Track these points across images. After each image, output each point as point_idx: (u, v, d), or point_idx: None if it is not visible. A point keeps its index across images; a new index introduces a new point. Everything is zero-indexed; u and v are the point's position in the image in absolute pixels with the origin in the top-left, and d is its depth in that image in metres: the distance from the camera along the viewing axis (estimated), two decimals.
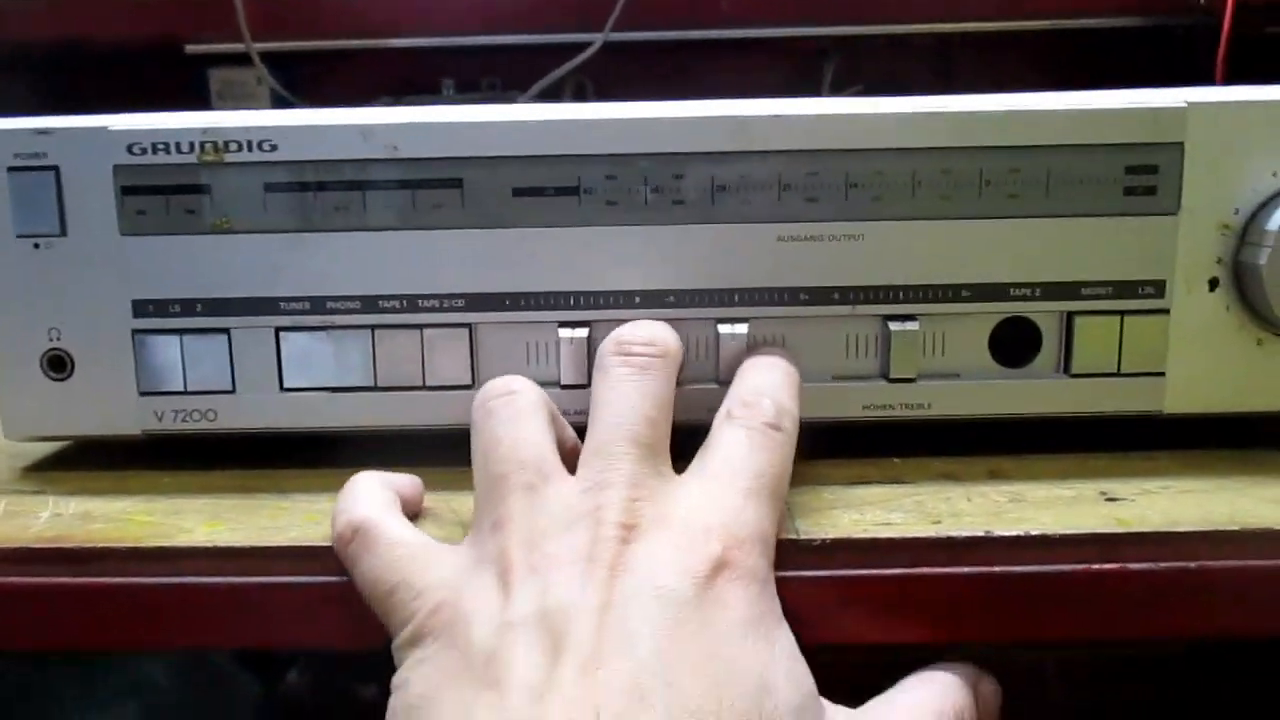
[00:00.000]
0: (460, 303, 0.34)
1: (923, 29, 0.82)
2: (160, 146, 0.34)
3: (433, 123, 0.34)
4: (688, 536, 0.27)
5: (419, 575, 0.28)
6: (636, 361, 0.31)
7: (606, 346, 0.31)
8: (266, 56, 0.79)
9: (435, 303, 0.34)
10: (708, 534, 0.27)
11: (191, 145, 0.34)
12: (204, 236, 0.34)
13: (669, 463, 0.29)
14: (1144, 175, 0.34)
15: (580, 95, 0.81)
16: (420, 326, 0.35)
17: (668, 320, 0.34)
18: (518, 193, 0.34)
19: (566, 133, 0.34)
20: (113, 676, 0.84)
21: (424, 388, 0.35)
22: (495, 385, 0.31)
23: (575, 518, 0.27)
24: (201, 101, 0.82)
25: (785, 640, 0.27)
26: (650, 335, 0.31)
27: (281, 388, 0.35)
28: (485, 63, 0.82)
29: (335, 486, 0.34)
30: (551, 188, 0.34)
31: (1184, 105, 0.34)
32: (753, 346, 0.34)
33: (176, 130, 0.34)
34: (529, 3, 0.74)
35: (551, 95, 0.79)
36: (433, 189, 0.34)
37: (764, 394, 0.31)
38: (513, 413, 0.30)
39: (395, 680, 0.27)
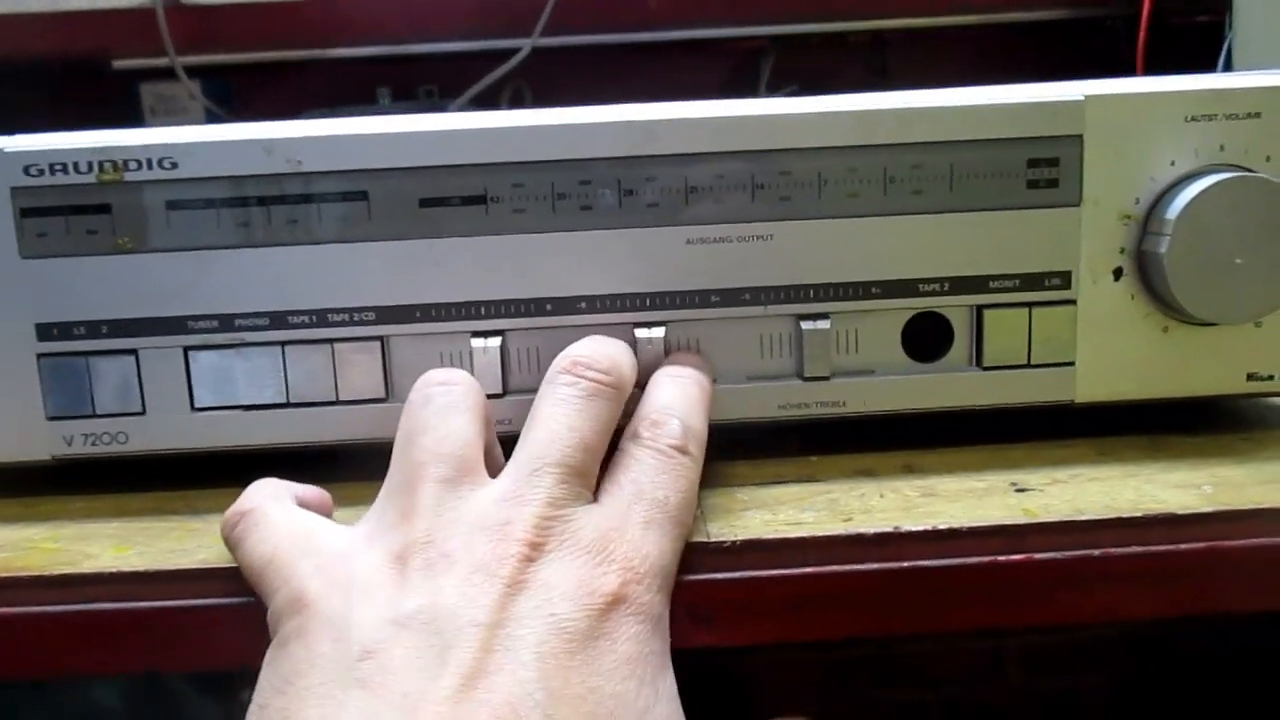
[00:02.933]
0: (371, 315, 0.34)
1: (857, 26, 0.83)
2: (58, 167, 0.33)
3: (336, 135, 0.33)
4: (589, 565, 0.26)
5: (302, 543, 0.27)
6: (586, 386, 0.30)
7: (560, 362, 0.31)
8: (199, 70, 0.78)
9: (345, 316, 0.34)
10: (608, 564, 0.26)
11: (90, 165, 0.33)
12: (107, 257, 0.34)
13: (592, 489, 0.29)
14: (1045, 168, 0.34)
15: (517, 100, 0.81)
16: (331, 341, 0.34)
17: (581, 326, 0.34)
18: (424, 203, 0.34)
19: (471, 142, 0.33)
20: (65, 701, 0.82)
21: (337, 402, 0.35)
22: (438, 373, 0.31)
23: (484, 525, 0.27)
24: (135, 117, 0.81)
25: (668, 685, 0.27)
26: (610, 364, 0.31)
27: (193, 407, 0.34)
28: (420, 71, 0.82)
29: None
30: (458, 197, 0.34)
31: (1081, 98, 0.34)
32: (669, 350, 0.34)
33: (74, 150, 0.33)
34: (462, 9, 0.73)
35: (488, 101, 0.78)
36: (338, 202, 0.34)
37: (672, 413, 0.31)
38: (448, 402, 0.30)
39: (267, 656, 0.26)
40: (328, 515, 0.32)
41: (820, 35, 0.83)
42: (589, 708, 0.24)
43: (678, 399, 0.32)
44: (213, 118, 0.78)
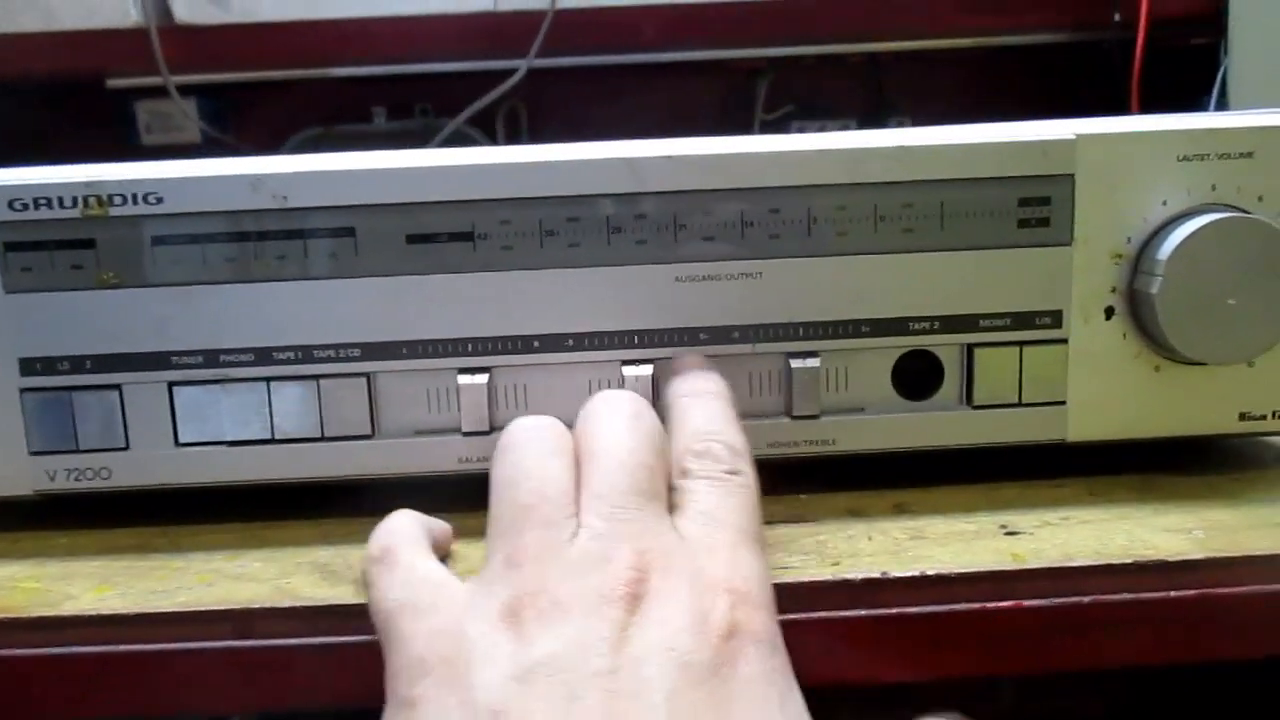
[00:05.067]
0: (357, 352, 0.34)
1: (854, 49, 0.83)
2: (43, 202, 0.33)
3: (322, 171, 0.33)
4: (697, 593, 0.26)
5: (427, 599, 0.27)
6: (625, 409, 0.30)
7: (588, 404, 0.31)
8: (195, 88, 0.78)
9: (331, 353, 0.34)
10: (715, 590, 0.26)
11: (75, 200, 0.33)
12: (91, 292, 0.33)
13: (666, 508, 0.28)
14: (1037, 207, 0.34)
15: (513, 120, 0.81)
16: (317, 377, 0.34)
17: (568, 364, 0.34)
18: (411, 240, 0.33)
19: (459, 178, 0.33)
20: None
21: (323, 439, 0.34)
22: (525, 420, 0.30)
23: (587, 567, 0.26)
24: (130, 136, 0.81)
25: (795, 702, 0.26)
26: (627, 392, 0.31)
27: (177, 443, 0.34)
28: (416, 90, 0.82)
29: (233, 543, 0.34)
30: (445, 234, 0.34)
31: (1073, 137, 0.34)
32: (656, 389, 0.34)
33: (59, 185, 0.33)
34: (458, 30, 0.73)
35: (484, 121, 0.78)
36: (325, 238, 0.33)
37: (711, 437, 0.30)
38: (541, 448, 0.29)
39: (387, 715, 0.25)
40: (447, 547, 0.32)
41: (817, 57, 0.83)
42: None
43: (710, 419, 0.31)
44: (208, 137, 0.78)
